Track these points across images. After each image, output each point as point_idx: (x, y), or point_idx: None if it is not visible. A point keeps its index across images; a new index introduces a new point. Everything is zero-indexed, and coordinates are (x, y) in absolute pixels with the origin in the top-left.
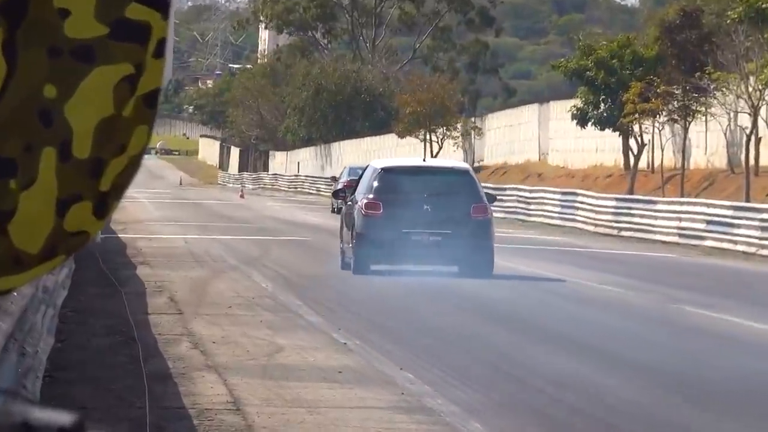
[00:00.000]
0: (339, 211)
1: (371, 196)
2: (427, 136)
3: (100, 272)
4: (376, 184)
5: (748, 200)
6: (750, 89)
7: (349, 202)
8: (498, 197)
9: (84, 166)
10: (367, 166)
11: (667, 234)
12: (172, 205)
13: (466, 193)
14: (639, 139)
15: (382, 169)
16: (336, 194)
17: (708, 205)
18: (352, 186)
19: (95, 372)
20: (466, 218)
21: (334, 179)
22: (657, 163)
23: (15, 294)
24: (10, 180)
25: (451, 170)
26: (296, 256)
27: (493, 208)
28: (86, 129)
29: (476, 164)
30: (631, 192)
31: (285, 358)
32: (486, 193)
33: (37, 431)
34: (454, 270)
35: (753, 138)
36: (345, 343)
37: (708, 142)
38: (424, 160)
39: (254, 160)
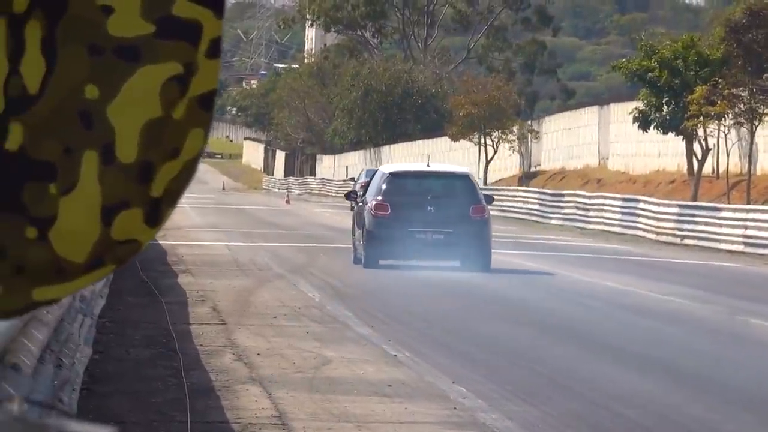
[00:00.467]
0: None
1: (380, 198)
2: (482, 140)
3: (140, 281)
4: (384, 186)
5: None
6: None
7: (360, 203)
8: (556, 204)
9: (131, 171)
10: (376, 170)
11: (733, 243)
12: (215, 210)
13: (465, 196)
14: (703, 143)
15: (390, 173)
16: (348, 196)
17: None
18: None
19: (134, 385)
20: (466, 218)
21: (353, 180)
22: (722, 168)
23: None
24: (49, 184)
25: (453, 174)
26: (345, 265)
27: (547, 215)
28: (131, 131)
29: (533, 169)
30: (694, 198)
31: (333, 370)
32: (484, 195)
33: None
34: (457, 264)
35: None
36: (395, 356)
37: None
38: (428, 165)
39: (300, 164)
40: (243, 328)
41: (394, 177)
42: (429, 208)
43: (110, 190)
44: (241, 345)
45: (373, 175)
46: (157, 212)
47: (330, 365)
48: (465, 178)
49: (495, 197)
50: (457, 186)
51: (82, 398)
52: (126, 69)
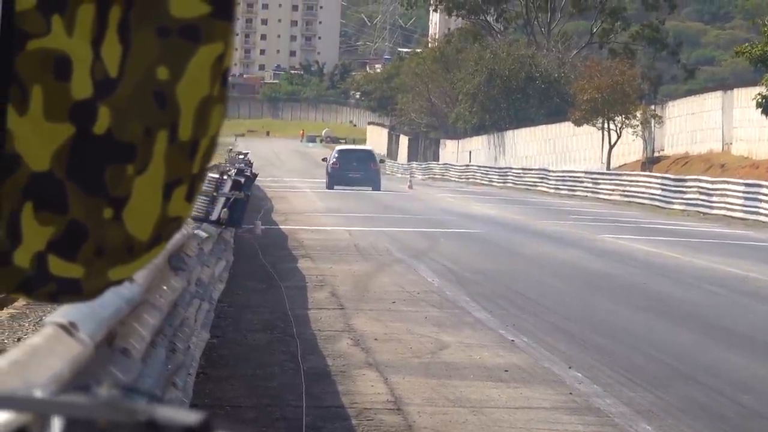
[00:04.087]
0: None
1: (334, 160)
2: (605, 125)
3: (260, 265)
4: (336, 155)
5: None
6: None
7: (327, 163)
8: (678, 189)
9: (185, 149)
10: (335, 149)
11: None
12: (336, 195)
13: (370, 159)
14: None
15: (338, 150)
16: (324, 159)
17: None
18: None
19: (250, 369)
20: (369, 168)
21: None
22: None
23: (164, 288)
24: (128, 165)
25: (365, 150)
26: (466, 250)
27: (669, 200)
28: (190, 109)
29: (656, 154)
30: None
31: (449, 355)
32: (380, 159)
33: (163, 430)
34: (369, 189)
35: None
36: (513, 341)
37: None
38: (355, 145)
39: (424, 149)
40: (361, 313)
41: (340, 151)
42: (354, 164)
43: (171, 168)
44: (359, 330)
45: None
46: (194, 188)
47: (447, 350)
48: (371, 151)
49: (615, 182)
50: (367, 154)
51: (198, 382)
52: (190, 49)
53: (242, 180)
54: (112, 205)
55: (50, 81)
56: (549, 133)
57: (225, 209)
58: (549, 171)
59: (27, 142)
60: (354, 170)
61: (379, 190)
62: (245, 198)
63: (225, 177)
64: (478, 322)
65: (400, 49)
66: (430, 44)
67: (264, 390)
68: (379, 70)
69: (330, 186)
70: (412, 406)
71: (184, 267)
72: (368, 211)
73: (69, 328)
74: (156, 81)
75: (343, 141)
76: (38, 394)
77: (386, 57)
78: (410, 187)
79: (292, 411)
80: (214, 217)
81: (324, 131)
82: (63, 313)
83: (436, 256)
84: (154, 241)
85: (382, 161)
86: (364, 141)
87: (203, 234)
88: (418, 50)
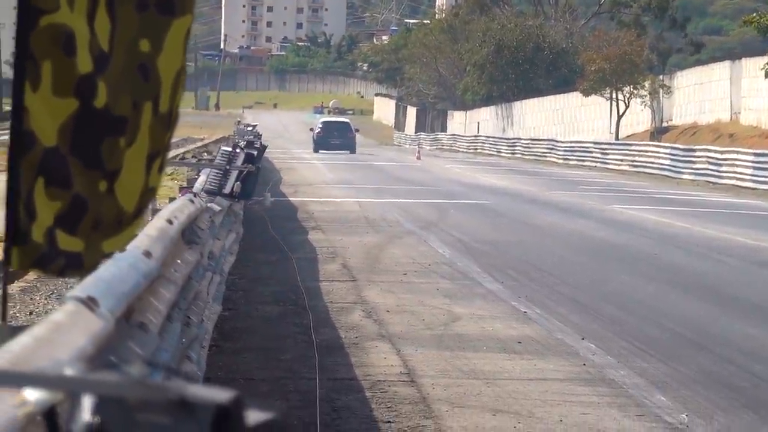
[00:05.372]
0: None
1: (318, 129)
2: (613, 95)
3: (270, 238)
4: (320, 125)
5: None
6: None
7: (314, 131)
8: (688, 159)
9: (164, 120)
10: (319, 120)
11: None
12: (346, 166)
13: (347, 129)
14: None
15: (322, 121)
16: (311, 129)
17: None
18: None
19: (263, 342)
20: (347, 135)
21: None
22: None
23: (179, 261)
24: (120, 138)
25: (343, 121)
26: (476, 221)
27: (678, 169)
28: (169, 82)
29: (665, 124)
30: None
31: (462, 327)
32: (355, 129)
33: (194, 408)
34: (346, 153)
35: None
36: (525, 312)
37: None
38: (335, 117)
39: (432, 120)
40: (373, 285)
41: (324, 122)
42: (335, 132)
43: (153, 140)
44: (371, 302)
45: (317, 122)
46: (164, 160)
47: (459, 322)
48: (348, 122)
49: (624, 152)
50: (345, 125)
51: (211, 355)
52: (165, 23)
53: (254, 153)
54: (107, 178)
55: (59, 56)
56: (557, 103)
57: (237, 182)
58: (557, 141)
59: (38, 119)
60: (335, 138)
61: (355, 153)
62: (256, 170)
63: (238, 150)
64: (490, 293)
65: (407, 21)
66: (437, 15)
67: (277, 362)
68: (386, 42)
69: (316, 150)
70: (425, 378)
71: (197, 240)
72: (377, 182)
73: (90, 304)
74: (140, 54)
75: (351, 112)
76: (69, 372)
77: (393, 28)
78: (418, 158)
79: (306, 383)
80: (227, 190)
81: (332, 102)
82: (83, 288)
83: (446, 227)
84: (138, 212)
85: (357, 131)
86: (371, 112)
87: (216, 207)
88: (426, 21)
